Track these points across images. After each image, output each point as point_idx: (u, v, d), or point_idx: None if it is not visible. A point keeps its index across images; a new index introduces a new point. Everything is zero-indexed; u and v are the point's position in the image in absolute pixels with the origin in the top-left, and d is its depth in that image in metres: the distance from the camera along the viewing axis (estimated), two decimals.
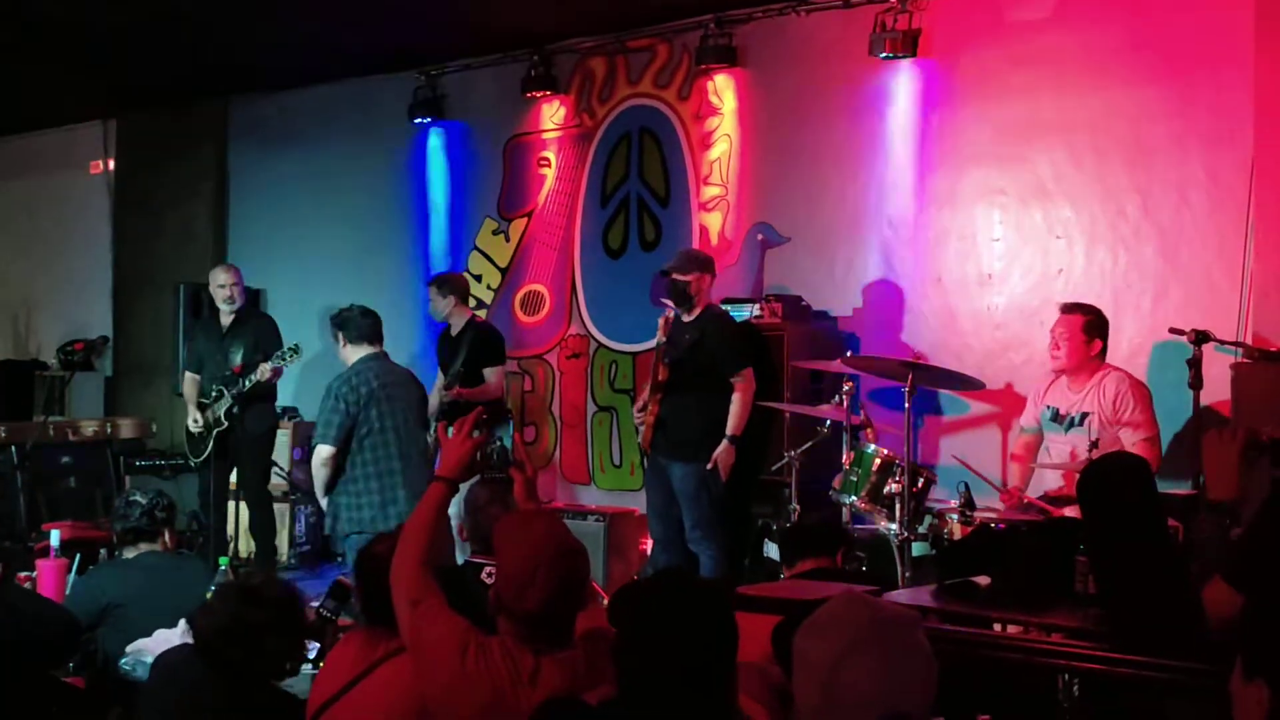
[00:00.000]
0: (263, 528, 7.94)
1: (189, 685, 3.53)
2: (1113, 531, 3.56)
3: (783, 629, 3.07)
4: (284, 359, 7.56)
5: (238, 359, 7.73)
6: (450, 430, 3.74)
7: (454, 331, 7.80)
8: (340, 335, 6.42)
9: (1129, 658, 3.17)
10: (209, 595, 3.59)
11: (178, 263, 10.30)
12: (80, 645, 4.55)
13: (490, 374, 7.62)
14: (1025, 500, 5.73)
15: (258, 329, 7.97)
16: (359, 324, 6.38)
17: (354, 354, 6.36)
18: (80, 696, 4.43)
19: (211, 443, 7.73)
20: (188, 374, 8.07)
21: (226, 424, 7.61)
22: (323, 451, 6.22)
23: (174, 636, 4.10)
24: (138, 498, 5.03)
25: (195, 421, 7.79)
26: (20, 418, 10.03)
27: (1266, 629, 1.81)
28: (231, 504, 7.99)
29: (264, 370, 7.48)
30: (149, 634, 4.38)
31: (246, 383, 7.51)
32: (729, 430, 6.51)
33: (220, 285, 7.92)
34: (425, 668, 3.19)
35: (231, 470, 7.95)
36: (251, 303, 8.35)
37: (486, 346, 7.67)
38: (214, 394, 7.73)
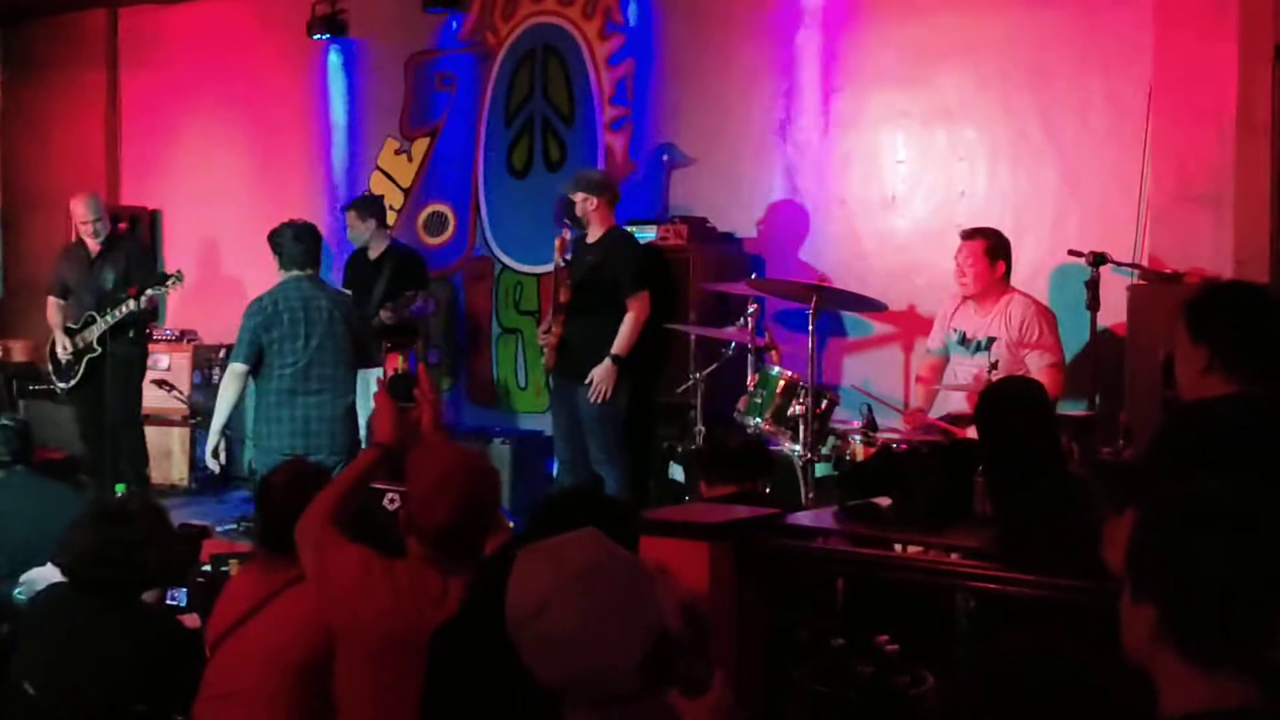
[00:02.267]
0: (133, 454, 7.71)
1: (71, 623, 3.48)
2: (1008, 453, 3.61)
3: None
4: (165, 287, 7.40)
5: (109, 283, 7.52)
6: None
7: (373, 255, 7.64)
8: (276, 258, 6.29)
9: (1022, 577, 3.23)
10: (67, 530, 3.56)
11: (69, 182, 9.99)
12: None
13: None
14: (928, 421, 5.79)
15: (129, 254, 7.73)
16: (286, 248, 6.21)
17: (283, 277, 6.24)
18: None
19: (82, 369, 7.51)
20: (52, 299, 7.78)
21: (99, 350, 7.38)
22: (232, 369, 6.13)
23: (51, 574, 4.04)
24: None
25: (64, 348, 7.55)
26: None
27: (1153, 550, 1.83)
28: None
29: (143, 299, 7.30)
30: (17, 555, 4.37)
31: (123, 309, 7.28)
32: (614, 349, 6.45)
33: (84, 221, 7.61)
34: (331, 597, 3.20)
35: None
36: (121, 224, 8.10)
37: (410, 271, 7.53)
38: (85, 320, 7.50)
